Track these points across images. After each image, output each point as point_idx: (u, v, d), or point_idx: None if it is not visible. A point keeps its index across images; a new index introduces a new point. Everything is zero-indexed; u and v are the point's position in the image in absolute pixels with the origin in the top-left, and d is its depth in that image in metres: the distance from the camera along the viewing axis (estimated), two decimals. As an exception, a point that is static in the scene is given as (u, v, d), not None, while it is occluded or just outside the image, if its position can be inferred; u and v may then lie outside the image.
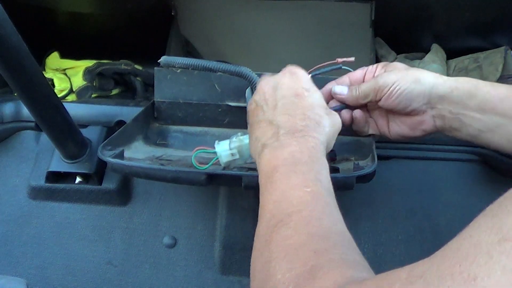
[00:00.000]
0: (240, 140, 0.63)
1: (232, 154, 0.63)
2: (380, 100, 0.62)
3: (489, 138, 0.58)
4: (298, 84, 0.54)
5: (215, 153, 0.63)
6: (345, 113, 0.66)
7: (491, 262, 0.24)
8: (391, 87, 0.60)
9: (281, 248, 0.38)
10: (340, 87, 0.65)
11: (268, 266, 0.37)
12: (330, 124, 0.53)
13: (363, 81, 0.66)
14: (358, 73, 0.66)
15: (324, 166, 0.47)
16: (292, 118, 0.51)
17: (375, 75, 0.65)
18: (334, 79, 0.68)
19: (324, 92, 0.66)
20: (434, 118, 0.61)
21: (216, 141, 0.64)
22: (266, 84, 0.56)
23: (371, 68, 0.66)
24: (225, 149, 0.62)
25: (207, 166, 0.64)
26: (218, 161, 0.64)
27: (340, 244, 0.38)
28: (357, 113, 0.65)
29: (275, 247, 0.38)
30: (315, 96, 0.54)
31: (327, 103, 0.65)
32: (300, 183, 0.43)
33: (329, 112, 0.55)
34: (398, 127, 0.65)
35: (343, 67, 0.67)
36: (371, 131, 0.68)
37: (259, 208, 0.44)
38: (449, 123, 0.60)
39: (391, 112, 0.64)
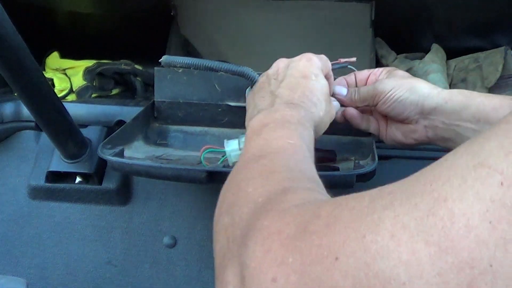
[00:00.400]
0: None
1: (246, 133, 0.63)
2: (376, 104, 0.63)
3: None
4: (309, 68, 0.57)
5: (223, 152, 0.63)
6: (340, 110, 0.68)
7: (465, 186, 0.23)
8: (387, 94, 0.61)
9: (256, 171, 0.39)
10: (340, 88, 0.67)
11: (239, 185, 0.38)
12: (325, 109, 0.56)
13: (367, 82, 0.67)
14: (364, 74, 0.68)
15: (308, 133, 0.49)
16: (292, 93, 0.54)
17: (379, 78, 0.66)
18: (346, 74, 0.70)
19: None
20: (426, 128, 0.62)
21: (225, 140, 0.64)
22: (282, 62, 0.60)
23: (376, 70, 0.67)
24: (235, 148, 0.62)
25: (216, 164, 0.64)
26: (226, 160, 0.64)
27: (315, 182, 0.38)
28: (350, 110, 0.67)
29: (250, 171, 0.40)
30: (321, 82, 0.57)
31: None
32: (284, 136, 0.45)
33: (329, 100, 0.58)
34: (392, 132, 0.66)
35: (349, 66, 0.68)
36: (372, 130, 0.68)
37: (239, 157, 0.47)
38: (441, 134, 0.61)
39: (388, 117, 0.66)
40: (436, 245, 0.22)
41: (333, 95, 0.66)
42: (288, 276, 0.26)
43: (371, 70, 0.68)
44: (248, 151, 0.45)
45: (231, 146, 0.63)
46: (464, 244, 0.22)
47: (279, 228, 0.29)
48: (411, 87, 0.61)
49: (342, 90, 0.66)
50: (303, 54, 0.60)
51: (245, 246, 0.30)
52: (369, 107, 0.67)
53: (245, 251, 0.30)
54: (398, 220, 0.24)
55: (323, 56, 0.61)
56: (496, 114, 0.56)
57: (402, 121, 0.63)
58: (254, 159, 0.42)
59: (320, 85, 0.56)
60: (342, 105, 0.67)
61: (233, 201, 0.37)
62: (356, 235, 0.25)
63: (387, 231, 0.24)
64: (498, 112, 0.56)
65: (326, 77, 0.59)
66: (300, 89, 0.54)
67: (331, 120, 0.59)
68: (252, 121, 0.50)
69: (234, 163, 0.63)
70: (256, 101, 0.57)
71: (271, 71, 0.60)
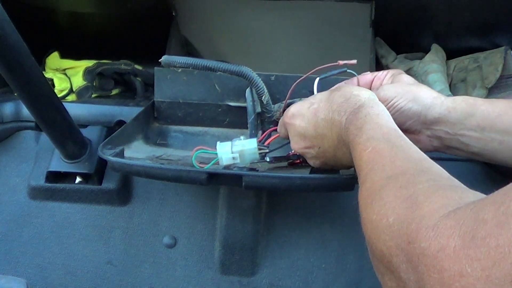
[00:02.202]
0: (242, 144, 0.63)
1: (234, 158, 0.62)
2: None
3: (492, 155, 0.58)
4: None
5: (215, 153, 0.63)
6: None
7: None
8: (390, 102, 0.59)
9: (366, 197, 0.39)
10: None
11: (362, 217, 0.38)
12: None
13: (370, 86, 0.66)
14: (368, 77, 0.66)
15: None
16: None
17: (384, 82, 0.64)
18: (344, 79, 0.68)
19: None
20: (430, 138, 0.61)
21: (218, 142, 0.63)
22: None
23: (381, 74, 0.65)
24: (227, 151, 0.62)
25: (207, 166, 0.63)
26: (218, 162, 0.64)
27: (424, 172, 0.38)
28: None
29: (361, 200, 0.40)
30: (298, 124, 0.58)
31: None
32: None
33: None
34: None
35: (348, 70, 0.67)
36: None
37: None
38: (446, 143, 0.60)
39: None
40: None
41: None
42: (473, 285, 0.26)
43: (375, 73, 0.66)
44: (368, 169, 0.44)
45: (223, 148, 0.62)
46: None
47: (441, 244, 0.29)
48: (414, 97, 0.58)
49: None
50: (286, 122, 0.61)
51: (416, 273, 0.30)
52: None
53: (419, 278, 0.30)
54: None
55: None
56: (501, 121, 0.55)
57: (405, 130, 0.60)
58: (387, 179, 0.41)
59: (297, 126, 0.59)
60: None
61: (369, 232, 0.37)
62: None
63: None
64: (503, 118, 0.55)
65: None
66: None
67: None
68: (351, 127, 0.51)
69: (225, 166, 0.63)
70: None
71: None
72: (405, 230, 0.32)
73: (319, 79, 0.66)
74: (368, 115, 0.49)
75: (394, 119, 0.59)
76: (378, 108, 0.51)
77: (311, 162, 0.60)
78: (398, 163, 0.41)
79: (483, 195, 0.32)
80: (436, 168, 0.39)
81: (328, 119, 0.54)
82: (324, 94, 0.58)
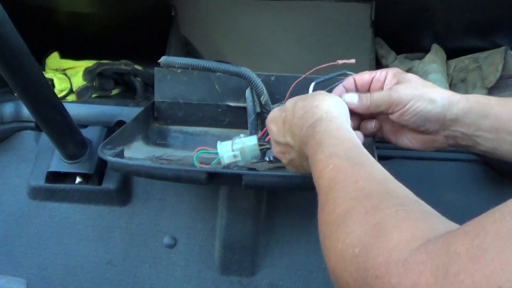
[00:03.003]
0: (242, 142, 0.63)
1: (235, 156, 0.62)
2: (392, 113, 0.59)
3: (504, 154, 0.57)
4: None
5: (216, 153, 0.63)
6: (354, 120, 0.63)
7: None
8: (406, 104, 0.57)
9: (329, 223, 0.37)
10: (350, 96, 0.61)
11: (324, 244, 0.36)
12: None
13: (369, 87, 0.63)
14: (365, 77, 0.63)
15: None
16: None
17: (386, 83, 0.62)
18: (341, 80, 0.65)
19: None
20: (447, 138, 0.60)
21: (218, 142, 0.63)
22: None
23: (379, 75, 0.62)
24: (228, 150, 0.62)
25: (210, 165, 0.64)
26: (220, 161, 0.64)
27: (390, 195, 0.36)
28: (369, 124, 0.64)
29: (323, 226, 0.38)
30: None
31: None
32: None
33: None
34: (408, 141, 0.63)
35: (347, 72, 0.66)
36: (373, 133, 0.67)
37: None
38: (461, 142, 0.59)
39: (404, 126, 0.61)
40: None
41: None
42: None
43: (372, 73, 0.63)
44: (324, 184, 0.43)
45: (224, 147, 0.62)
46: None
47: (413, 281, 0.27)
48: (431, 98, 0.57)
49: (352, 99, 0.61)
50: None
51: None
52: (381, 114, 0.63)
53: None
54: None
55: None
56: None
57: (421, 132, 0.60)
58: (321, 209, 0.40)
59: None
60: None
61: (332, 262, 0.35)
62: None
63: None
64: None
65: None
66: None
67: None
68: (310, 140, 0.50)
69: (226, 165, 0.63)
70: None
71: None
72: (371, 263, 0.30)
73: (315, 84, 0.65)
74: (327, 130, 0.48)
75: (414, 122, 0.58)
76: (336, 121, 0.50)
77: (287, 168, 0.59)
78: (361, 183, 0.39)
79: (453, 224, 0.30)
80: (402, 190, 0.38)
81: (292, 131, 0.54)
82: (291, 102, 0.56)
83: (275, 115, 0.58)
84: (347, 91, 0.63)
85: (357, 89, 0.63)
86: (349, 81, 0.63)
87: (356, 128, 0.64)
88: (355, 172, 0.41)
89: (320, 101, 0.53)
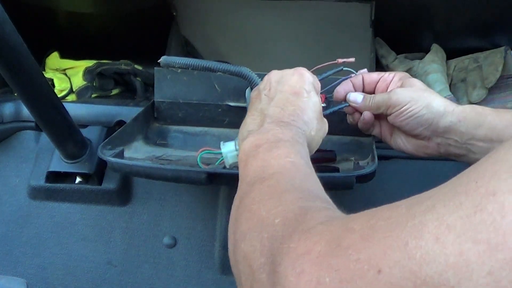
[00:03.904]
0: None
1: (238, 156, 0.62)
2: (389, 115, 0.61)
3: None
4: (301, 84, 0.55)
5: (220, 153, 0.63)
6: (356, 113, 0.66)
7: None
8: (402, 107, 0.59)
9: (264, 193, 0.38)
10: (355, 95, 0.65)
11: (250, 209, 0.37)
12: (316, 128, 0.54)
13: (375, 87, 0.65)
14: (374, 77, 0.65)
15: (304, 150, 0.48)
16: (282, 112, 0.52)
17: (391, 85, 0.64)
18: (343, 78, 0.67)
19: (340, 90, 0.66)
20: (439, 145, 0.61)
21: (221, 142, 0.63)
22: (273, 76, 0.58)
23: (387, 76, 0.65)
24: (231, 149, 0.62)
25: (214, 165, 0.64)
26: (223, 162, 0.64)
27: (326, 201, 0.37)
28: (367, 114, 0.65)
29: (257, 193, 0.38)
30: (313, 100, 0.55)
31: (340, 101, 0.66)
32: (282, 154, 0.44)
33: (320, 118, 0.56)
34: (402, 143, 0.64)
35: (344, 68, 0.67)
36: (375, 133, 0.68)
37: (239, 181, 0.44)
38: (454, 151, 0.60)
39: (398, 128, 0.64)
40: (485, 242, 0.21)
41: (348, 101, 0.65)
42: None
43: (381, 74, 0.65)
44: (248, 174, 0.43)
45: (228, 148, 0.62)
46: None
47: (308, 247, 0.28)
48: (428, 104, 0.58)
49: (357, 98, 0.64)
50: (296, 68, 0.57)
51: (275, 273, 0.29)
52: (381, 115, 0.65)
53: (276, 278, 0.29)
54: (442, 222, 0.23)
55: (314, 75, 0.59)
56: (508, 132, 0.55)
57: (414, 136, 0.62)
58: (258, 181, 0.40)
59: (312, 103, 0.54)
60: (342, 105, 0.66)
61: (247, 227, 0.36)
62: (397, 243, 0.24)
63: (430, 234, 0.23)
64: (510, 129, 0.56)
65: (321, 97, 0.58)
66: (290, 107, 0.52)
67: (324, 136, 0.57)
68: (244, 144, 0.48)
69: (231, 165, 0.63)
70: (247, 120, 0.54)
71: (262, 85, 0.58)
72: (285, 231, 0.31)
73: (319, 79, 0.66)
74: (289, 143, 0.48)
75: (407, 124, 0.60)
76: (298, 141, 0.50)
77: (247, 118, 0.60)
78: (301, 180, 0.40)
79: None
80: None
81: (275, 100, 0.55)
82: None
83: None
84: (354, 86, 0.66)
85: (364, 87, 0.66)
86: (357, 78, 0.66)
87: (356, 126, 0.67)
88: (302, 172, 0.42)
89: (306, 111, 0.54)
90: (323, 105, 0.61)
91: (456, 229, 0.22)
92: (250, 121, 0.53)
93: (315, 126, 0.53)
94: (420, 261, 0.23)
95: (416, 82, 0.62)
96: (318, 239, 0.28)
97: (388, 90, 0.64)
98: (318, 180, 0.42)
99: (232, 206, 0.41)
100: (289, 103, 0.53)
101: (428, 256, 0.23)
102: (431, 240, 0.23)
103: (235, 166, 0.66)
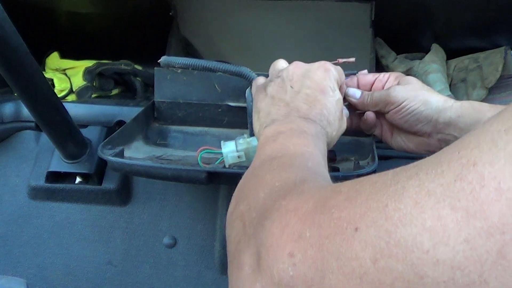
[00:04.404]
0: (247, 142, 0.63)
1: (239, 157, 0.63)
2: (388, 113, 0.62)
3: None
4: (327, 81, 0.55)
5: (220, 153, 0.63)
6: (355, 117, 0.66)
7: (495, 149, 0.22)
8: (401, 103, 0.60)
9: (274, 165, 0.39)
10: (353, 91, 0.65)
11: (256, 176, 0.39)
12: (337, 129, 0.54)
13: (371, 87, 0.65)
14: (369, 78, 0.66)
15: (323, 146, 0.49)
16: (309, 109, 0.52)
17: (387, 85, 0.64)
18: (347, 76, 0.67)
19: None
20: (440, 141, 0.61)
21: (222, 142, 0.63)
22: (297, 67, 0.57)
23: (382, 76, 0.65)
24: (232, 150, 0.62)
25: (215, 164, 0.64)
26: (223, 161, 0.64)
27: (329, 182, 0.38)
28: (370, 114, 0.65)
29: (267, 166, 0.40)
30: (337, 97, 0.55)
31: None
32: (301, 143, 0.45)
33: (341, 117, 0.56)
34: (402, 142, 0.65)
35: (346, 72, 0.67)
36: (375, 133, 0.68)
37: (253, 159, 0.45)
38: None
39: (397, 126, 0.64)
40: (464, 210, 0.21)
41: (346, 96, 0.65)
42: (305, 250, 0.26)
43: (376, 75, 0.66)
44: (264, 153, 0.44)
45: (228, 148, 0.63)
46: (495, 208, 0.21)
47: (297, 205, 0.29)
48: (426, 100, 0.59)
49: (355, 93, 0.65)
50: (321, 62, 0.57)
51: (261, 226, 0.30)
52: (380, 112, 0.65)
53: (261, 230, 0.30)
54: (422, 188, 0.23)
55: (339, 68, 0.59)
56: None
57: (415, 133, 0.62)
58: (271, 159, 0.41)
59: (336, 101, 0.54)
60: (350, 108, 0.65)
61: (249, 188, 0.37)
62: (377, 205, 0.25)
63: (410, 198, 0.23)
64: None
65: (341, 88, 0.58)
66: (318, 106, 0.52)
67: (340, 135, 0.57)
68: (267, 129, 0.49)
69: (230, 165, 0.63)
70: (270, 108, 0.54)
71: (285, 74, 0.56)
72: (281, 192, 0.33)
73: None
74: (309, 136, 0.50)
75: (406, 121, 0.60)
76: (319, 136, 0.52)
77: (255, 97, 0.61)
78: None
79: None
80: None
81: (293, 96, 0.55)
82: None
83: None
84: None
85: (359, 88, 0.66)
86: (352, 80, 0.66)
87: (356, 125, 0.67)
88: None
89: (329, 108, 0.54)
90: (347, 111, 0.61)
91: (436, 195, 0.23)
92: (274, 110, 0.53)
93: (337, 126, 0.54)
94: (396, 222, 0.23)
95: (413, 80, 0.63)
96: (307, 198, 0.29)
97: (385, 88, 0.64)
98: (327, 172, 0.43)
99: (242, 177, 0.41)
100: (317, 102, 0.53)
101: (405, 218, 0.23)
102: (410, 204, 0.23)
103: (235, 166, 0.66)
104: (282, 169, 0.38)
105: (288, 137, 0.46)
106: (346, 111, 0.61)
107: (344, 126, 0.57)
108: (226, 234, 0.37)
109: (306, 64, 0.58)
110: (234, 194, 0.40)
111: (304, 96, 0.53)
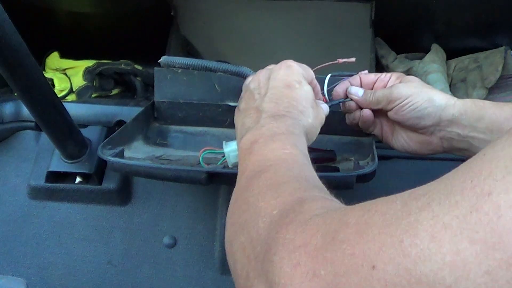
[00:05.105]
0: None
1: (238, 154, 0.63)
2: (390, 110, 0.62)
3: None
4: (291, 76, 0.56)
5: (222, 153, 0.63)
6: (356, 111, 0.66)
7: (509, 177, 0.21)
8: (404, 100, 0.60)
9: (262, 185, 0.38)
10: (356, 89, 0.66)
11: (248, 201, 0.37)
12: (313, 116, 0.55)
13: (373, 87, 0.66)
14: (371, 78, 0.66)
15: (301, 141, 0.48)
16: (277, 106, 0.52)
17: (389, 84, 0.65)
18: (345, 79, 0.68)
19: (338, 89, 0.67)
20: (442, 140, 0.61)
21: (224, 141, 0.63)
22: (262, 74, 0.58)
23: (384, 76, 0.66)
24: (234, 149, 0.62)
25: (217, 164, 0.64)
26: (225, 162, 0.64)
27: (323, 190, 0.38)
28: (366, 112, 0.65)
29: (255, 187, 0.39)
30: (305, 89, 0.56)
31: (341, 99, 0.66)
32: (277, 147, 0.45)
33: (315, 105, 0.56)
34: (403, 141, 0.65)
35: (346, 72, 0.68)
36: (375, 133, 0.68)
37: (237, 176, 0.45)
38: (457, 145, 0.60)
39: (399, 125, 0.64)
40: (482, 242, 0.21)
41: (348, 94, 0.66)
42: None
43: (378, 74, 0.66)
44: (246, 169, 0.43)
45: (230, 147, 0.63)
46: None
47: (305, 240, 0.28)
48: (429, 97, 0.59)
49: (358, 91, 0.65)
50: (282, 61, 0.58)
51: (270, 262, 0.29)
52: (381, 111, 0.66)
53: (271, 267, 0.29)
54: (437, 221, 0.23)
55: (303, 65, 0.59)
56: (508, 124, 0.56)
57: (417, 131, 0.62)
58: (256, 175, 0.41)
59: (304, 92, 0.55)
60: (342, 99, 0.66)
61: (245, 218, 0.36)
62: (392, 240, 0.24)
63: (426, 233, 0.23)
64: (510, 122, 0.56)
65: (311, 84, 0.58)
66: (285, 100, 0.53)
67: (321, 124, 0.57)
68: (242, 142, 0.49)
69: (233, 164, 0.63)
70: (243, 119, 0.55)
71: (252, 85, 0.58)
72: (281, 221, 0.32)
73: (331, 76, 0.67)
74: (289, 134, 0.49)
75: (409, 119, 0.60)
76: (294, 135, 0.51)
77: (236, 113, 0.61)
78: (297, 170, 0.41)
79: None
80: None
81: (268, 96, 0.55)
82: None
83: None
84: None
85: (362, 87, 0.67)
86: (355, 79, 0.67)
87: (356, 124, 0.67)
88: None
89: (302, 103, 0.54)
90: (324, 103, 0.61)
91: (453, 228, 0.22)
92: (246, 120, 0.54)
93: (311, 113, 0.54)
94: (415, 259, 0.23)
95: (415, 79, 0.63)
96: (314, 232, 0.28)
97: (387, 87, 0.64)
98: (313, 170, 0.43)
99: (231, 200, 0.41)
100: (284, 97, 0.53)
101: (424, 254, 0.23)
102: (427, 239, 0.23)
103: (236, 166, 0.66)
104: (274, 191, 0.37)
105: (263, 146, 0.45)
106: (325, 105, 0.61)
107: (322, 114, 0.58)
108: (229, 263, 0.37)
109: (268, 67, 0.59)
110: (228, 218, 0.39)
111: (270, 96, 0.54)
